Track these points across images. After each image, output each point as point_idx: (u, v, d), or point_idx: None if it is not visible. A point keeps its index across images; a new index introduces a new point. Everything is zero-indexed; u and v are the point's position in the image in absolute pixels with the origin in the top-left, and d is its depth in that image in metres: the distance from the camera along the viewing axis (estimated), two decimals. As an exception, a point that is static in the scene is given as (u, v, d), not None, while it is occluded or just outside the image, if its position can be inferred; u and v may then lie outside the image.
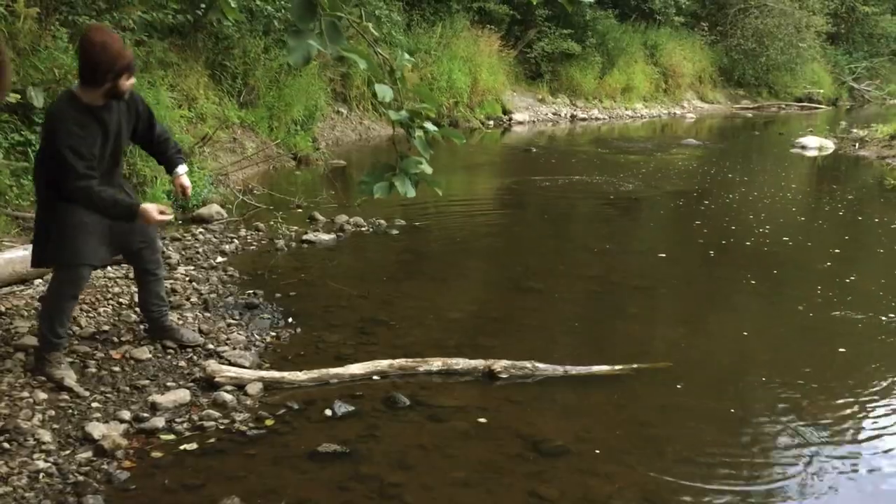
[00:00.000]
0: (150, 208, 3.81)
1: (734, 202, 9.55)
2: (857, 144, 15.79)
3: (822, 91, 30.28)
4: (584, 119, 20.50)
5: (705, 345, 4.89)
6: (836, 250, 7.27)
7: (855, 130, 17.12)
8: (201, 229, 6.87)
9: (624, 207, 9.01)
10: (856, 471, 3.44)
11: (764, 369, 4.47)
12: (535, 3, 3.54)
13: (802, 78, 30.13)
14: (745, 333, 5.10)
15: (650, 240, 7.53)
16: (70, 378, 3.73)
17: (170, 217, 4.01)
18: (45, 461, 3.10)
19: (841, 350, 4.81)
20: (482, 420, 3.69)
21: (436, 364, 4.20)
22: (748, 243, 7.40)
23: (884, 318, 5.32)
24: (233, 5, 2.51)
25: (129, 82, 3.75)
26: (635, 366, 4.31)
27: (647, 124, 21.28)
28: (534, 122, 18.97)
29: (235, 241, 6.62)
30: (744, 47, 27.27)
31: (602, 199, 9.59)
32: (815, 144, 15.61)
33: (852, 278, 6.31)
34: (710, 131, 20.49)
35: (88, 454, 3.19)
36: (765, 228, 8.04)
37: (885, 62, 33.87)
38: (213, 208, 7.38)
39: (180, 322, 4.59)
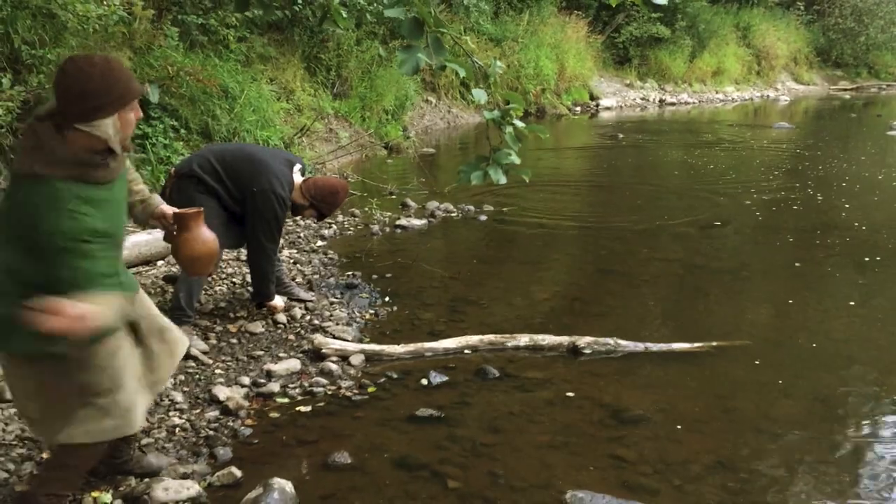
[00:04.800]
0: None
1: (823, 186, 9.48)
2: (960, 126, 15.27)
3: (926, 70, 29.12)
4: (672, 104, 20.35)
5: (786, 325, 5.03)
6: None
7: (959, 111, 16.51)
8: (297, 216, 7.30)
9: (710, 190, 9.08)
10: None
11: (844, 349, 4.60)
12: (613, 5, 3.71)
13: (905, 57, 29.03)
14: (828, 315, 5.21)
15: (736, 223, 7.60)
16: (199, 346, 4.19)
17: None
18: (180, 418, 3.54)
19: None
20: (567, 391, 3.96)
21: (523, 340, 4.49)
22: (837, 228, 7.41)
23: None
24: (344, 16, 2.84)
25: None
26: (714, 343, 4.50)
27: (739, 108, 20.97)
28: (621, 107, 18.95)
29: (333, 226, 7.04)
30: (842, 26, 26.50)
31: (689, 182, 9.67)
32: (915, 126, 15.16)
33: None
34: (804, 114, 20.06)
35: (216, 413, 3.61)
36: (855, 213, 8.01)
37: None
38: (313, 195, 7.81)
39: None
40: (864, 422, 3.78)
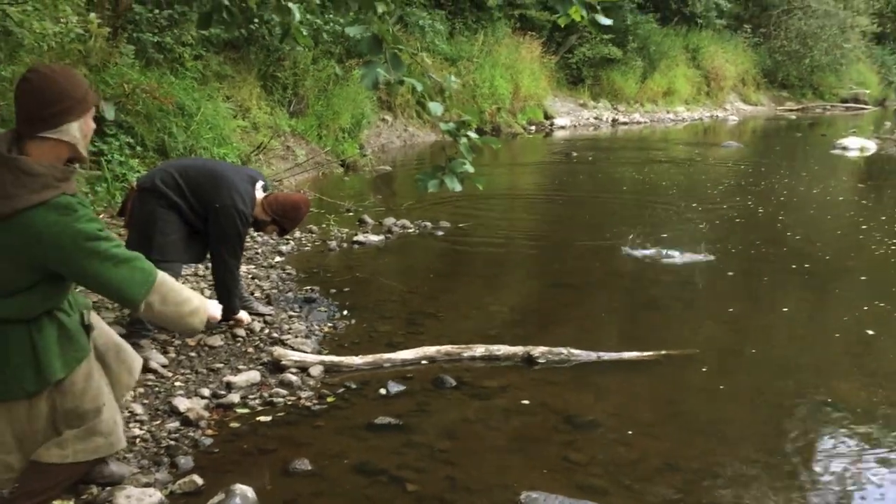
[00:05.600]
0: None
1: (764, 200, 9.78)
2: (898, 144, 15.86)
3: (868, 91, 30.08)
4: (625, 123, 20.75)
5: (729, 333, 5.23)
6: (872, 248, 7.49)
7: (898, 130, 17.13)
8: (259, 232, 7.35)
9: (661, 206, 9.31)
10: (866, 446, 3.74)
11: (782, 354, 4.81)
12: (562, 25, 3.87)
13: (848, 78, 29.99)
14: (766, 322, 5.43)
15: (686, 237, 7.82)
16: (158, 360, 4.22)
17: None
18: (140, 429, 3.57)
19: (867, 338, 5.09)
20: (522, 398, 4.07)
21: (479, 350, 4.59)
22: (774, 239, 7.69)
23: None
24: (304, 33, 2.95)
25: None
26: (664, 352, 4.65)
27: (689, 127, 21.45)
28: (575, 126, 19.27)
29: (291, 242, 7.09)
30: (787, 49, 27.29)
31: (640, 199, 9.91)
32: (857, 145, 15.72)
33: (888, 274, 6.58)
34: (752, 133, 20.60)
35: (176, 424, 3.65)
36: (791, 225, 8.32)
37: (933, 61, 33.46)
38: (270, 212, 7.85)
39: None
40: (804, 423, 3.96)
